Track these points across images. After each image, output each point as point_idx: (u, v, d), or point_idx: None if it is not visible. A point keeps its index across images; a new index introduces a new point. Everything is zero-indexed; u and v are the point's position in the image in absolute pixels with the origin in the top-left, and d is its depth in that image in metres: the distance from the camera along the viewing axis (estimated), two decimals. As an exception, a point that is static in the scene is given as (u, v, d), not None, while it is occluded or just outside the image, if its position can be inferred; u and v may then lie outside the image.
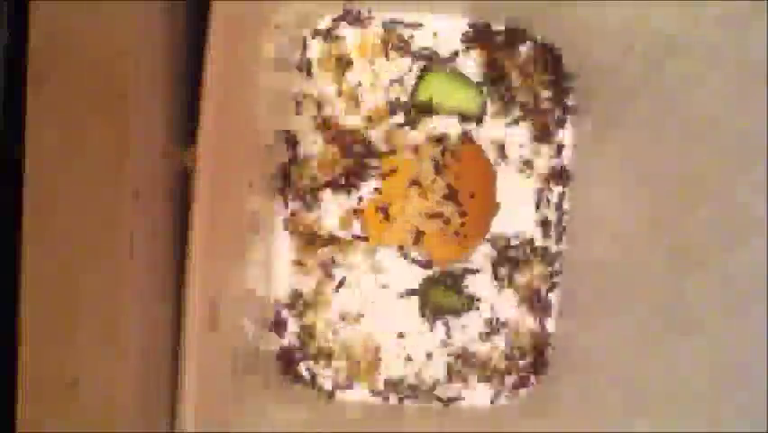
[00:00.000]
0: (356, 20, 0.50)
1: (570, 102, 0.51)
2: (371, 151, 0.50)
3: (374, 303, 0.50)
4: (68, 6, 0.31)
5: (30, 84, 0.30)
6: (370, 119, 0.50)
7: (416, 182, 0.50)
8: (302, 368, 0.49)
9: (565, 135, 0.51)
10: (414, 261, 0.50)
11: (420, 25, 0.50)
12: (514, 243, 0.51)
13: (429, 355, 0.50)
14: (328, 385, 0.49)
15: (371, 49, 0.50)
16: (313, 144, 0.49)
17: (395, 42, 0.50)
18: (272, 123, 0.47)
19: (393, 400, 0.50)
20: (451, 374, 0.50)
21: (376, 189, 0.50)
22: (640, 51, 0.43)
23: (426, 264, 0.50)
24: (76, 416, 0.31)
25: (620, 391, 0.42)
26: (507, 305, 0.51)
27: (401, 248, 0.50)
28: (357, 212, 0.50)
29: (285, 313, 0.49)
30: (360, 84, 0.50)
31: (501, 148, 0.51)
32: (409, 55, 0.50)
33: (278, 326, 0.49)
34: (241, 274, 0.43)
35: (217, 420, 0.36)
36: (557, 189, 0.51)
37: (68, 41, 0.31)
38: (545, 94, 0.51)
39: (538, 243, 0.51)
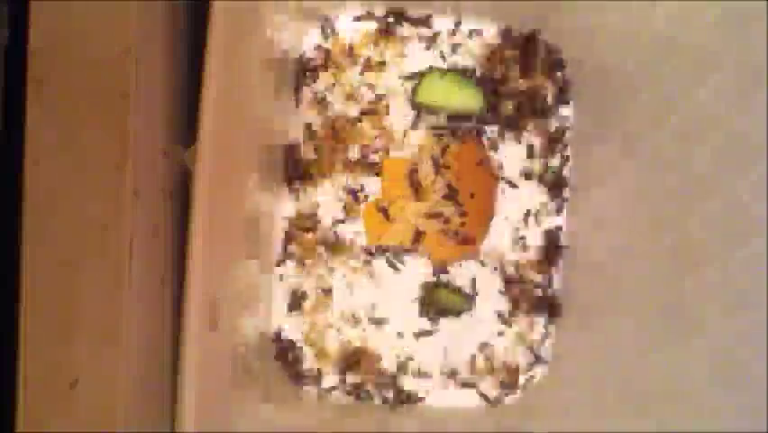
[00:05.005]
0: (357, 18, 0.50)
1: (570, 102, 0.51)
2: (371, 150, 0.50)
3: (374, 303, 0.50)
4: (68, 6, 0.31)
5: (30, 84, 0.31)
6: (370, 118, 0.50)
7: (416, 182, 0.50)
8: (302, 368, 0.49)
9: (565, 135, 0.51)
10: (414, 261, 0.50)
11: (421, 24, 0.50)
12: (514, 244, 0.51)
13: (429, 355, 0.50)
14: (328, 385, 0.49)
15: (372, 48, 0.50)
16: (313, 144, 0.49)
17: (395, 41, 0.50)
18: (272, 122, 0.47)
19: (393, 399, 0.50)
20: (452, 374, 0.50)
21: (376, 189, 0.50)
22: (640, 51, 0.43)
23: (427, 264, 0.50)
24: (76, 416, 0.31)
25: (620, 391, 0.42)
26: (507, 305, 0.51)
27: (401, 248, 0.50)
28: (357, 212, 0.50)
29: (285, 313, 0.49)
30: (360, 83, 0.50)
31: (501, 149, 0.51)
32: (410, 54, 0.50)
33: (278, 326, 0.49)
34: (241, 274, 0.43)
35: (217, 420, 0.36)
36: (557, 190, 0.51)
37: (68, 41, 0.31)
38: (545, 94, 0.51)
39: (539, 243, 0.51)
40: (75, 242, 0.31)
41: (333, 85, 0.50)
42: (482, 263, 0.51)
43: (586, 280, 0.49)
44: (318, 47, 0.50)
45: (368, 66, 0.50)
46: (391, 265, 0.50)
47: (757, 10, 0.34)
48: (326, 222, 0.50)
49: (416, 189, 0.50)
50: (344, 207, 0.50)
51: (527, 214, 0.51)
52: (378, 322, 0.50)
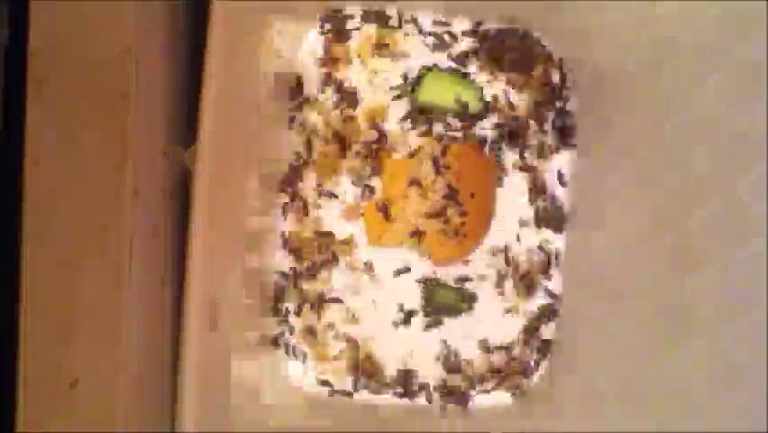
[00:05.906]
0: (358, 18, 0.50)
1: (569, 103, 0.51)
2: (371, 151, 0.50)
3: (374, 303, 0.50)
4: (68, 6, 0.31)
5: (30, 84, 0.31)
6: (369, 119, 0.50)
7: (415, 182, 0.50)
8: (302, 368, 0.49)
9: (565, 134, 0.51)
10: (414, 261, 0.50)
11: (420, 25, 0.50)
12: (514, 243, 0.51)
13: (429, 355, 0.50)
14: (329, 386, 0.49)
15: (372, 48, 0.50)
16: (312, 144, 0.49)
17: (395, 42, 0.50)
18: (272, 122, 0.47)
19: (393, 400, 0.50)
20: (451, 374, 0.50)
21: (376, 189, 0.50)
22: (640, 51, 0.43)
23: (427, 264, 0.50)
24: (76, 416, 0.31)
25: (620, 391, 0.42)
26: (507, 304, 0.51)
27: (401, 248, 0.50)
28: (357, 212, 0.50)
29: (285, 313, 0.49)
30: (360, 83, 0.50)
31: (501, 148, 0.51)
32: (409, 54, 0.50)
33: (278, 326, 0.49)
34: (241, 275, 0.43)
35: (217, 420, 0.36)
36: (557, 190, 0.51)
37: (68, 41, 0.31)
38: (545, 94, 0.51)
39: (539, 243, 0.51)
40: (75, 242, 0.31)
41: (334, 84, 0.50)
42: (482, 263, 0.50)
43: (586, 280, 0.49)
44: (319, 47, 0.50)
45: (368, 66, 0.50)
46: (391, 265, 0.50)
47: (757, 10, 0.34)
48: (326, 222, 0.50)
49: (416, 190, 0.50)
50: (344, 207, 0.50)
51: (527, 213, 0.51)
52: (378, 322, 0.50)
